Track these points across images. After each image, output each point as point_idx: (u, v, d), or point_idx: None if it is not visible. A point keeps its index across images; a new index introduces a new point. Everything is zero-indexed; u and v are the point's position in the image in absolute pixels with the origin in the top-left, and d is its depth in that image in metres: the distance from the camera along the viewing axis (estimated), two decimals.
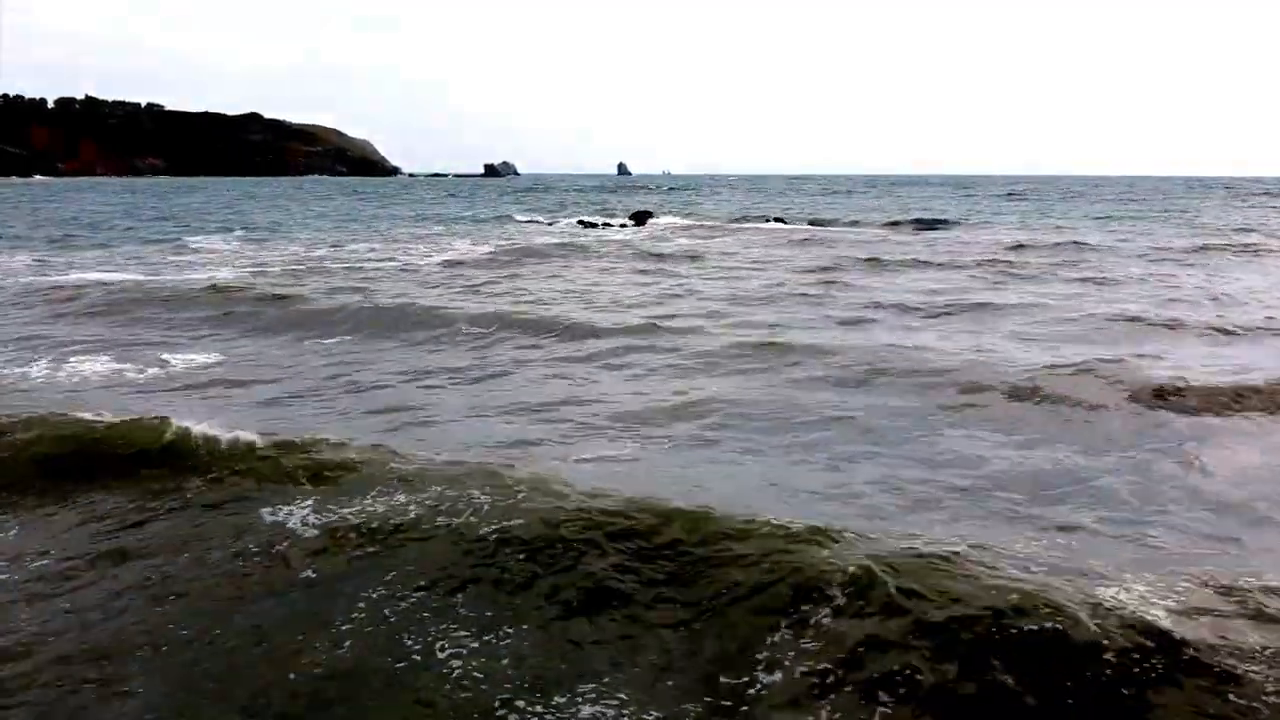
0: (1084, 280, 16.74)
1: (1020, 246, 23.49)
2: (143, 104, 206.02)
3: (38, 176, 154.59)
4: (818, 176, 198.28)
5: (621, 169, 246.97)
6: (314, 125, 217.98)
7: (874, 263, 19.78)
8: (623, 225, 37.72)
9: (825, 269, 18.92)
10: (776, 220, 39.84)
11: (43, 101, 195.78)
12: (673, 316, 12.48)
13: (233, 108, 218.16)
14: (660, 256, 21.86)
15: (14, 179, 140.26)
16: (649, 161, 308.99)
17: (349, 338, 11.23)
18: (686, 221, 39.65)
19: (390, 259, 21.70)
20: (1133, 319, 11.88)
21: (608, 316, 12.32)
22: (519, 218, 43.46)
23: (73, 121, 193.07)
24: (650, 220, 39.78)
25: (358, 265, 19.99)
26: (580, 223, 38.74)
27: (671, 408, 7.53)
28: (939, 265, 19.52)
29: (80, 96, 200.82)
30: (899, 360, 8.99)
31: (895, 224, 35.93)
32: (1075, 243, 24.68)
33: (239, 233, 31.54)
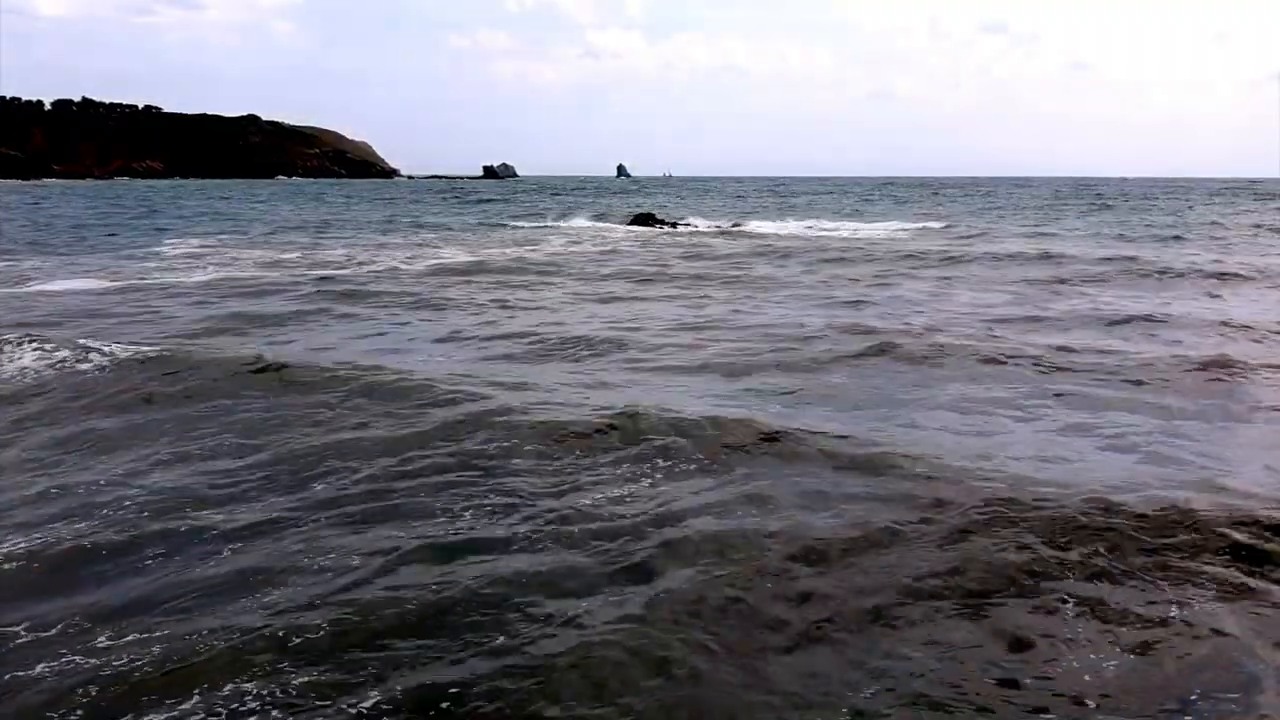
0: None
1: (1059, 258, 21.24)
2: (141, 106, 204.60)
3: (33, 179, 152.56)
4: (808, 179, 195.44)
5: (621, 170, 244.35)
6: (313, 127, 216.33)
7: None
8: (627, 229, 35.35)
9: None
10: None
11: (39, 104, 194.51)
12: (625, 353, 10.18)
13: (233, 109, 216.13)
14: (665, 273, 19.56)
15: (9, 181, 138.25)
16: (649, 163, 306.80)
17: None
18: (704, 223, 37.18)
19: (332, 272, 19.48)
20: None
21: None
22: (512, 223, 41.20)
23: (70, 124, 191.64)
24: (658, 224, 37.14)
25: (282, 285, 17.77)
26: (574, 227, 36.43)
27: None
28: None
29: (78, 99, 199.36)
30: None
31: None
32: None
33: (198, 239, 29.34)
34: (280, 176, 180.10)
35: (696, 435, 6.32)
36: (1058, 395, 7.82)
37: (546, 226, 37.93)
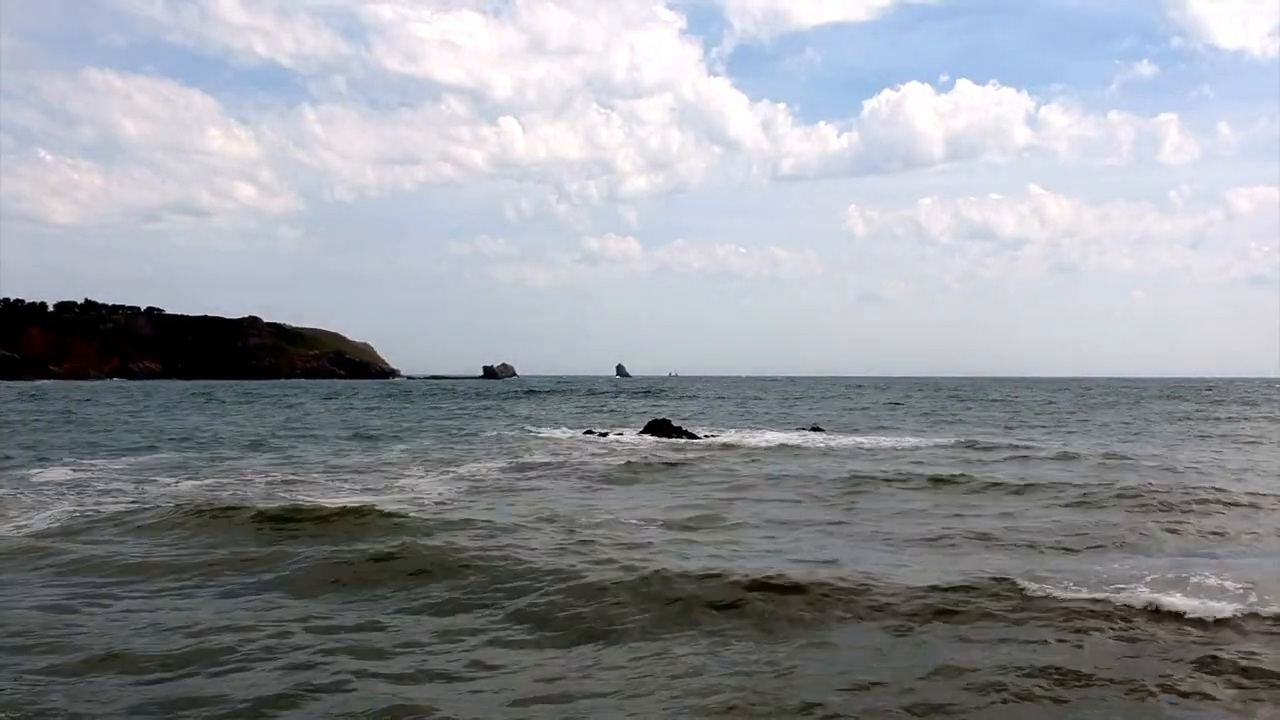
0: None
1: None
2: (142, 307, 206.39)
3: (29, 378, 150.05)
4: (806, 378, 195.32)
5: (621, 370, 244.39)
6: (314, 329, 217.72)
7: None
8: (639, 438, 30.61)
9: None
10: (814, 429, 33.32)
11: (42, 305, 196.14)
12: None
13: (236, 310, 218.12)
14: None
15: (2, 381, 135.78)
16: (648, 362, 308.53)
17: None
18: (731, 438, 31.94)
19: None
20: None
21: None
22: (511, 429, 36.76)
23: (70, 325, 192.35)
24: (685, 437, 31.46)
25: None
26: (588, 432, 31.83)
27: None
28: None
29: (80, 300, 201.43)
30: None
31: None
32: None
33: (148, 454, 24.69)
34: (307, 378, 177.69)
35: None
36: None
37: (559, 434, 33.40)
